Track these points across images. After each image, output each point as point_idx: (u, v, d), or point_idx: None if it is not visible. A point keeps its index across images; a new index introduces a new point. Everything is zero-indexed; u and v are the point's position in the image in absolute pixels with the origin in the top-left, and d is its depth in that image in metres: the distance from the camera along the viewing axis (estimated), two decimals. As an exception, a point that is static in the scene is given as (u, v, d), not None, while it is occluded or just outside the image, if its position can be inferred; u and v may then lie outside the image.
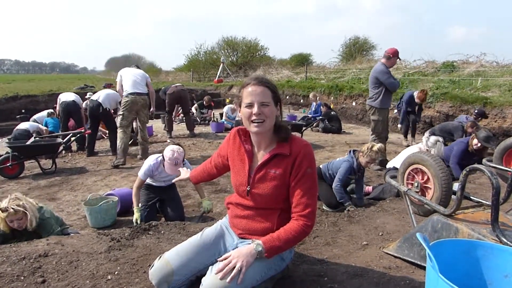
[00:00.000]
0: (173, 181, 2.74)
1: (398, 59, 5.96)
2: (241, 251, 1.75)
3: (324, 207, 4.40)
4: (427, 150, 4.67)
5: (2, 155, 6.18)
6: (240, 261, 1.70)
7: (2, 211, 2.93)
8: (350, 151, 4.48)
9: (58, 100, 8.39)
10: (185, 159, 4.07)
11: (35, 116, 9.33)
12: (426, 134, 4.90)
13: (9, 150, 6.14)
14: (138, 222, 3.79)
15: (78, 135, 7.39)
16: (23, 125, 8.16)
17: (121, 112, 6.72)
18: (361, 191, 4.51)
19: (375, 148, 4.22)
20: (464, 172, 2.02)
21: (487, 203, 2.32)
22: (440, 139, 4.71)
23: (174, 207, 4.12)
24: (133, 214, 4.12)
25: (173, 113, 10.03)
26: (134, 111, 6.74)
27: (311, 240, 2.83)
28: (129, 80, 6.72)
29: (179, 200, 4.30)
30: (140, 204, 4.07)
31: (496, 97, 9.66)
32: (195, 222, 3.62)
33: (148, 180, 4.20)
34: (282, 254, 1.91)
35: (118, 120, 6.94)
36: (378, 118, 5.95)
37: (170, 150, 3.85)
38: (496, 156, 3.35)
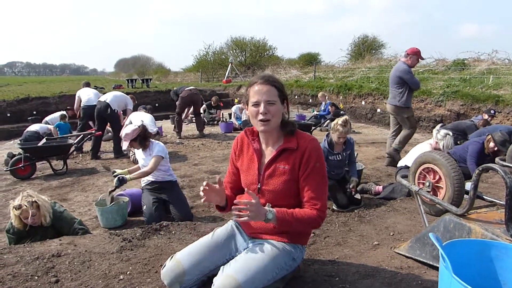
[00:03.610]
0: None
1: (420, 59, 5.90)
2: (258, 210, 1.75)
3: (334, 207, 4.38)
4: (437, 143, 4.65)
5: (15, 156, 6.26)
6: (251, 215, 1.72)
7: (16, 209, 2.98)
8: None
9: (77, 97, 8.35)
10: (153, 141, 4.41)
11: (47, 118, 9.42)
12: (437, 127, 4.85)
13: (21, 151, 6.23)
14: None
15: (89, 136, 7.47)
16: (33, 127, 8.20)
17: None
18: (353, 169, 4.53)
19: (340, 121, 4.19)
20: (477, 171, 2.00)
21: (501, 202, 2.29)
22: (450, 132, 4.69)
23: (177, 207, 4.15)
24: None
25: (183, 114, 10.05)
26: None
27: (321, 240, 2.83)
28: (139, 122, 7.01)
29: (182, 200, 4.31)
30: (145, 207, 4.16)
31: (508, 95, 9.52)
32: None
33: (149, 177, 4.31)
34: (293, 253, 1.92)
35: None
36: (408, 115, 6.02)
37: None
38: (510, 155, 3.31)
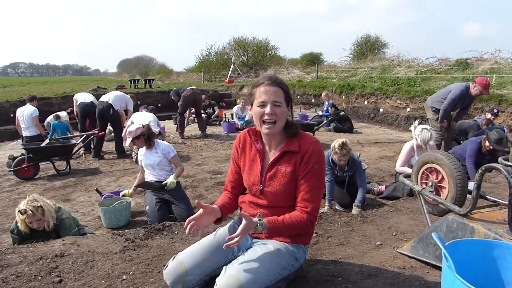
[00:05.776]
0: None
1: (484, 93, 5.90)
2: (248, 227, 1.73)
3: (337, 207, 4.38)
4: (416, 139, 4.64)
5: (16, 158, 6.28)
6: (240, 237, 1.71)
7: (22, 213, 3.00)
8: None
9: (74, 101, 8.44)
10: (158, 140, 4.48)
11: (48, 119, 9.46)
12: (415, 123, 4.82)
13: (24, 151, 6.24)
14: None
15: (92, 136, 7.48)
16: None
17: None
18: (360, 195, 4.23)
19: (336, 145, 4.17)
20: (480, 171, 2.00)
21: (504, 202, 2.28)
22: (428, 127, 4.68)
23: (180, 207, 4.17)
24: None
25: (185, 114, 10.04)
26: None
27: (324, 240, 2.82)
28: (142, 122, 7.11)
29: (185, 200, 4.32)
30: (148, 207, 4.15)
31: (511, 94, 9.49)
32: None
33: (152, 177, 4.36)
34: (296, 254, 1.92)
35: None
36: (430, 118, 6.37)
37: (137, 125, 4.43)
38: (513, 154, 3.30)
